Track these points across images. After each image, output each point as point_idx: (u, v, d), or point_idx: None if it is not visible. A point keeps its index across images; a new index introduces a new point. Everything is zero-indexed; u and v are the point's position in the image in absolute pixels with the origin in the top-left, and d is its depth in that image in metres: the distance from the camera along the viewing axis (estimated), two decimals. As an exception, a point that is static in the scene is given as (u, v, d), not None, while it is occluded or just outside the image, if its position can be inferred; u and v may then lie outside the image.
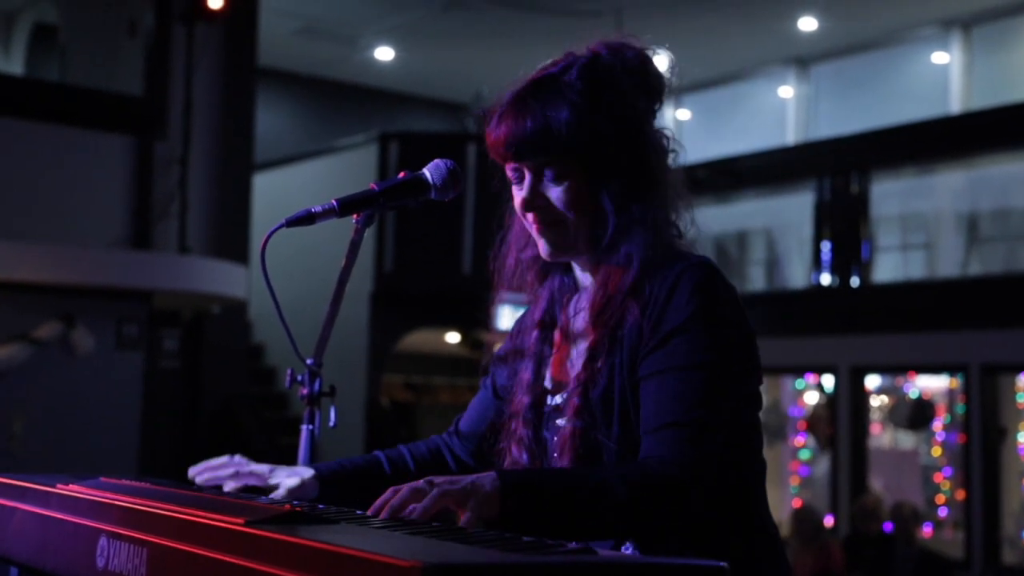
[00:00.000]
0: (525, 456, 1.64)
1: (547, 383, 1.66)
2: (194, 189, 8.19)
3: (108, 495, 1.43)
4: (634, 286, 1.57)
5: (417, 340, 10.73)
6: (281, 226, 1.60)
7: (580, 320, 1.66)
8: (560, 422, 1.60)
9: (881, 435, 10.93)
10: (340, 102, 13.89)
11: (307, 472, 1.68)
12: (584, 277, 1.69)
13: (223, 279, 7.72)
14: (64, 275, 7.14)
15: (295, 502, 1.46)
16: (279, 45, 11.90)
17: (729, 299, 1.59)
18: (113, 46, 8.77)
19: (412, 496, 1.32)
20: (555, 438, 1.61)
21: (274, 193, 10.26)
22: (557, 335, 1.69)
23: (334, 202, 1.61)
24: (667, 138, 1.70)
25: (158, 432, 7.93)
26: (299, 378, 1.84)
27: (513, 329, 1.79)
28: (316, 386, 1.84)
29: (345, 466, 1.74)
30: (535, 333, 1.71)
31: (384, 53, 13.14)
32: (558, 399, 1.63)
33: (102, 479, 1.61)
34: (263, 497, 1.58)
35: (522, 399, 1.66)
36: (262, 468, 1.70)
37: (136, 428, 7.54)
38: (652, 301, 1.55)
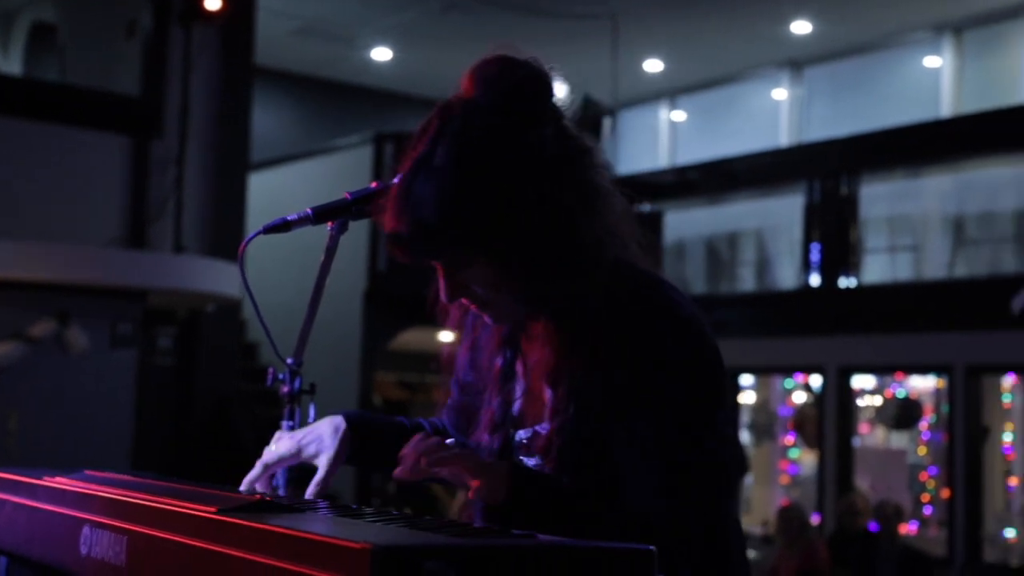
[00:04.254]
0: None
1: (513, 419, 1.62)
2: (190, 188, 8.25)
3: (91, 487, 1.51)
4: (581, 340, 1.49)
5: (410, 339, 10.80)
6: (258, 233, 1.67)
7: (540, 369, 1.57)
8: (527, 461, 1.59)
9: (871, 434, 11.03)
10: (337, 102, 13.95)
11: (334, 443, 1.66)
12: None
13: (218, 278, 7.78)
14: (59, 273, 7.20)
15: (265, 493, 1.55)
16: (276, 45, 11.96)
17: (683, 329, 1.49)
18: (111, 46, 8.84)
19: (438, 447, 1.40)
20: None
21: (270, 193, 10.32)
22: (519, 366, 1.63)
23: (309, 210, 1.69)
24: (579, 145, 1.53)
25: (152, 429, 7.99)
26: (280, 376, 1.89)
27: (470, 323, 1.74)
28: (296, 384, 1.88)
29: (387, 422, 1.75)
30: (498, 360, 1.64)
31: (381, 53, 13.20)
32: (523, 434, 1.60)
33: (86, 472, 1.69)
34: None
35: (490, 441, 1.62)
36: (291, 446, 1.68)
37: (130, 425, 7.61)
38: (607, 349, 1.48)
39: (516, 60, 1.53)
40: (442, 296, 1.55)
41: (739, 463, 1.69)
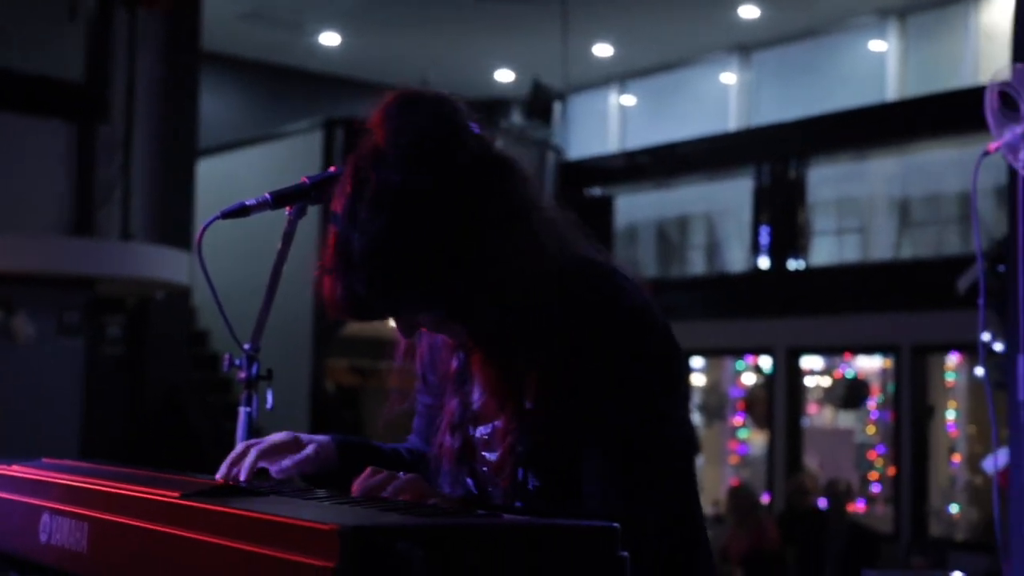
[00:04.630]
0: (456, 490, 1.64)
1: (472, 416, 1.63)
2: (137, 175, 8.16)
3: (49, 474, 1.50)
4: (532, 349, 1.51)
5: (363, 325, 10.76)
6: (216, 218, 1.66)
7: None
8: (488, 456, 1.60)
9: (819, 414, 11.18)
10: (286, 87, 13.84)
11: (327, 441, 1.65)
12: None
13: (166, 265, 7.72)
14: (4, 262, 7.11)
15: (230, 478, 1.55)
16: (224, 29, 11.84)
17: (633, 326, 1.50)
18: (53, 30, 8.70)
19: (383, 484, 1.40)
20: (484, 469, 1.62)
21: (218, 179, 10.23)
22: (474, 364, 1.63)
23: (268, 195, 1.68)
24: (500, 169, 1.52)
25: (101, 418, 7.92)
26: (237, 362, 1.88)
27: (432, 355, 1.74)
28: (254, 370, 1.87)
29: (369, 446, 1.74)
30: (453, 362, 1.66)
31: (330, 38, 13.11)
32: (483, 430, 1.61)
33: (44, 460, 1.68)
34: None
35: (451, 442, 1.63)
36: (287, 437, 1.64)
37: (79, 414, 7.54)
38: (556, 352, 1.49)
39: (418, 101, 1.52)
40: (400, 336, 1.57)
41: (694, 446, 1.72)
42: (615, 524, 1.12)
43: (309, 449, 1.60)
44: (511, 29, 11.69)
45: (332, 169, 1.71)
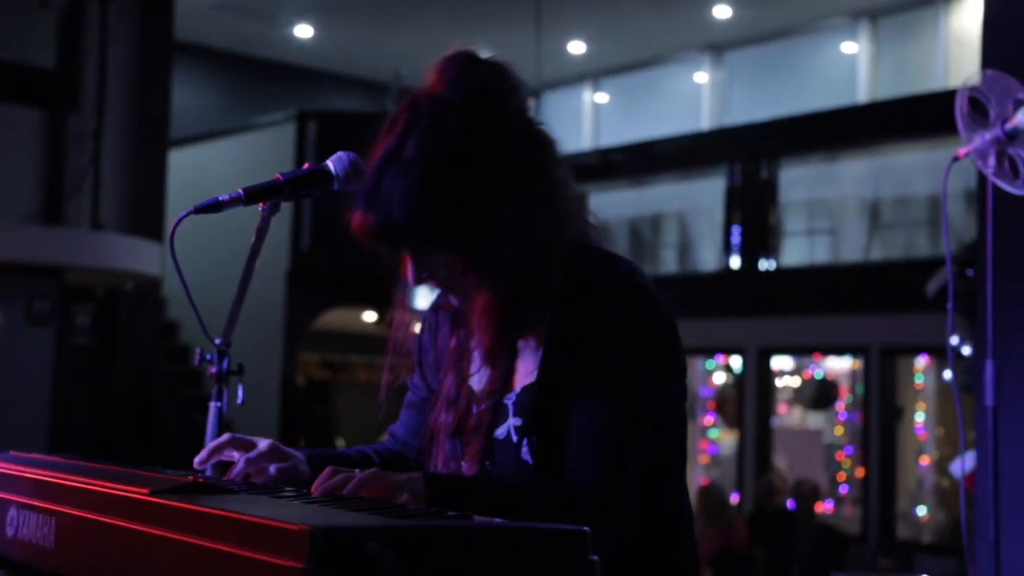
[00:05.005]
0: (451, 467, 1.65)
1: (469, 392, 1.66)
2: (108, 164, 8.10)
3: (16, 468, 1.49)
4: (537, 316, 1.56)
5: (334, 319, 10.75)
6: (189, 213, 1.66)
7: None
8: (486, 435, 1.62)
9: (789, 415, 11.24)
10: (258, 79, 13.78)
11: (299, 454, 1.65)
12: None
13: (136, 256, 7.68)
14: (-27, 250, 7.07)
15: (202, 475, 1.54)
16: (197, 20, 11.78)
17: (634, 306, 1.55)
18: (24, 17, 8.62)
19: (343, 484, 1.39)
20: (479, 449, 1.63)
21: (190, 170, 10.18)
22: (473, 344, 1.67)
23: (241, 191, 1.68)
24: (539, 139, 1.60)
25: (70, 408, 7.88)
26: (208, 357, 1.87)
27: (428, 321, 1.78)
28: (225, 365, 1.87)
29: (336, 453, 1.75)
30: (453, 342, 1.69)
31: (303, 30, 13.07)
32: (478, 409, 1.63)
33: (12, 453, 1.67)
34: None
35: (446, 419, 1.66)
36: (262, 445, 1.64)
37: (47, 404, 7.49)
38: (561, 325, 1.54)
39: (480, 58, 1.58)
40: (408, 279, 1.59)
41: (684, 430, 1.72)
42: (585, 528, 1.12)
43: (290, 463, 1.60)
44: (485, 25, 11.67)
45: (306, 166, 1.72)
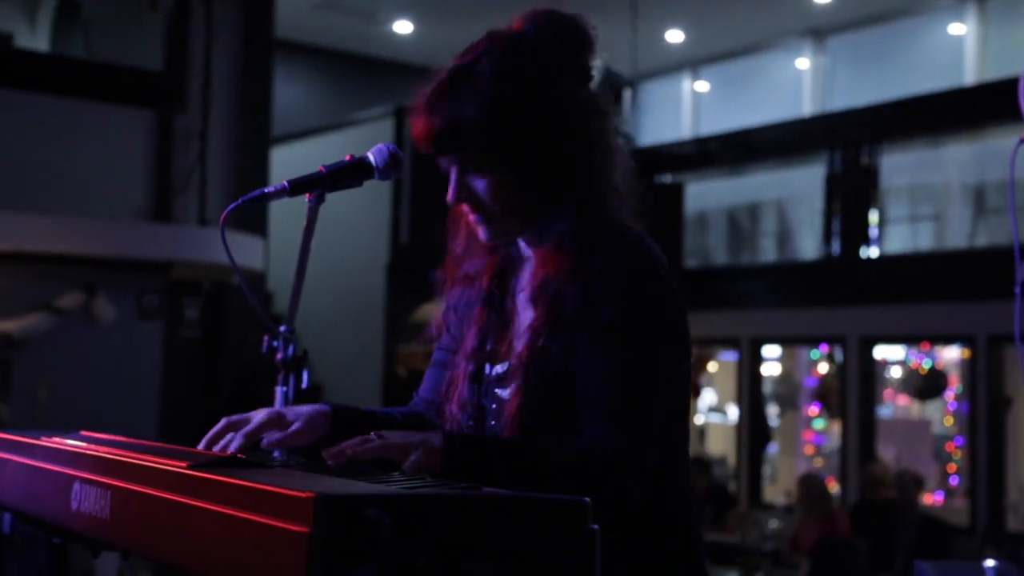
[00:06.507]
0: (464, 418, 1.71)
1: (489, 352, 1.71)
2: (213, 162, 8.34)
3: (83, 446, 1.59)
4: (569, 268, 1.60)
5: (433, 310, 10.86)
6: (238, 204, 1.75)
7: (524, 296, 1.70)
8: (500, 392, 1.67)
9: (897, 404, 11.03)
10: (358, 75, 13.99)
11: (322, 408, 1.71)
12: (528, 251, 1.73)
13: (242, 251, 7.87)
14: (86, 246, 7.33)
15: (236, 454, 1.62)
16: (298, 19, 12.02)
17: (660, 279, 1.60)
18: (134, 21, 8.92)
19: (359, 444, 1.44)
20: (493, 406, 1.68)
21: (292, 166, 10.29)
22: (503, 305, 1.74)
23: (285, 183, 1.76)
24: (600, 106, 1.69)
25: (179, 400, 8.12)
26: (275, 344, 1.96)
27: (461, 298, 1.84)
28: (290, 351, 1.95)
29: (363, 411, 1.80)
30: (480, 304, 1.75)
31: (403, 26, 13.23)
32: (499, 368, 1.68)
33: (83, 432, 1.78)
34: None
35: (465, 366, 1.73)
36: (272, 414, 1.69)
37: (157, 396, 7.74)
38: (589, 283, 1.58)
39: (567, 13, 1.70)
40: (449, 195, 1.67)
41: (688, 401, 1.75)
42: (586, 499, 1.16)
43: (297, 424, 1.64)
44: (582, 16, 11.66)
45: (348, 158, 1.78)
